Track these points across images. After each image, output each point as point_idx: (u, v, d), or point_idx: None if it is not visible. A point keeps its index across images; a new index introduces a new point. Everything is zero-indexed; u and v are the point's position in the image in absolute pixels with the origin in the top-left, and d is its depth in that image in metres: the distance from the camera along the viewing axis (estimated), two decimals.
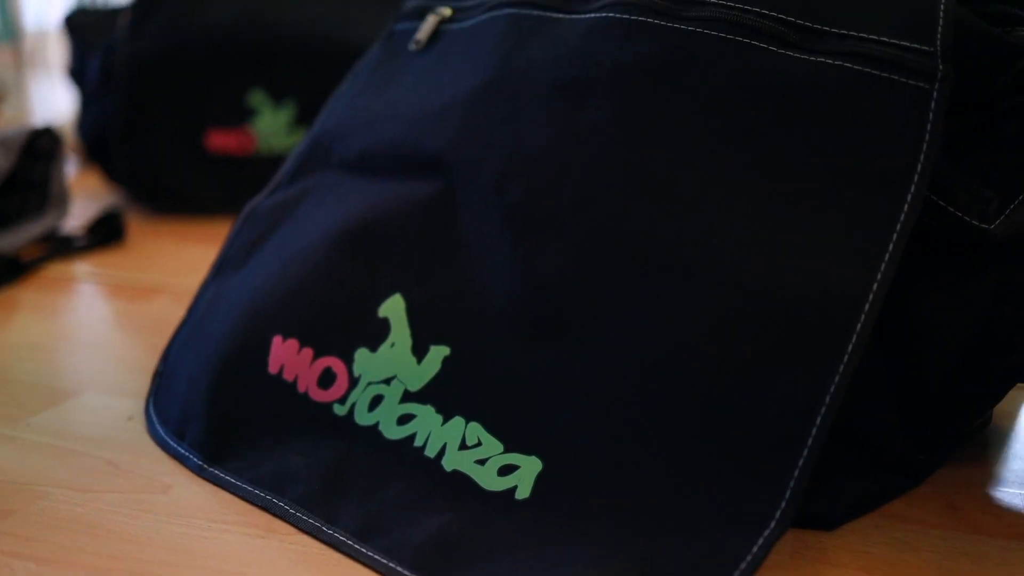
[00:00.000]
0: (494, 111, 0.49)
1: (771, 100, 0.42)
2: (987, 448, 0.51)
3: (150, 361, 0.60)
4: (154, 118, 1.03)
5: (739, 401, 0.38)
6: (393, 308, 0.48)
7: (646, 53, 0.45)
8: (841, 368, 0.36)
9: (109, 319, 0.75)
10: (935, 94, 0.39)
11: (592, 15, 0.48)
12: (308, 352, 0.49)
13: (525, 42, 0.50)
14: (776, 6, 0.43)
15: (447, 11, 0.57)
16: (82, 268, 0.87)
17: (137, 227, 1.01)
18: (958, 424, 0.45)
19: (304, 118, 1.04)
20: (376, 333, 0.48)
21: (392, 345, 0.47)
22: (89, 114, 1.09)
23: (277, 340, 0.50)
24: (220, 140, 1.04)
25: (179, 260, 0.90)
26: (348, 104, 0.59)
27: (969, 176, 0.41)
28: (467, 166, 0.49)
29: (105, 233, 0.95)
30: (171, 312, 0.73)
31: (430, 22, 0.58)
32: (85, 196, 1.15)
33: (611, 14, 0.47)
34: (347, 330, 0.49)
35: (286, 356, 0.49)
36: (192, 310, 0.57)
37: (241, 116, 1.03)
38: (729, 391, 0.38)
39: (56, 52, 4.31)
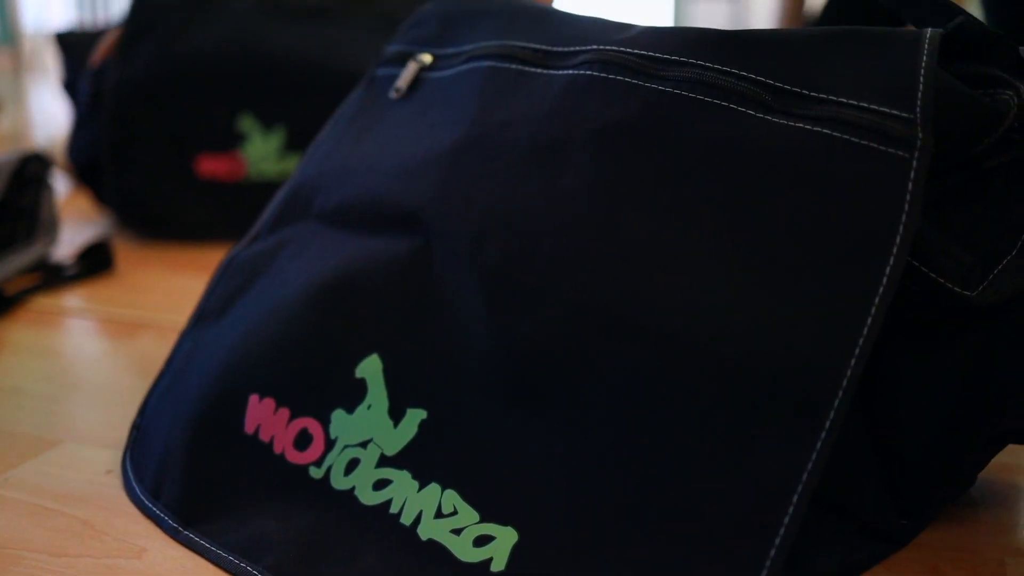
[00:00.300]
0: (472, 168, 0.49)
1: (749, 166, 0.41)
2: (973, 508, 0.51)
3: (133, 407, 0.60)
4: (143, 143, 1.02)
5: (714, 479, 0.37)
6: (370, 368, 0.47)
7: (623, 115, 0.45)
8: (819, 446, 0.36)
9: (95, 359, 0.74)
10: (915, 162, 0.38)
11: (570, 71, 0.48)
12: (284, 412, 0.48)
13: (504, 97, 0.50)
14: (755, 68, 0.42)
15: (428, 58, 0.57)
16: (69, 301, 0.87)
17: (127, 255, 1.00)
18: (942, 491, 0.44)
19: (294, 143, 1.03)
20: (353, 394, 0.47)
21: (369, 407, 0.46)
22: (79, 137, 1.08)
23: (254, 399, 0.49)
24: (210, 165, 1.03)
25: (168, 293, 0.90)
26: (327, 153, 0.58)
27: (952, 240, 0.41)
28: (444, 224, 0.48)
29: (94, 262, 0.95)
30: (158, 350, 0.72)
31: (411, 70, 0.57)
32: (76, 220, 1.14)
33: (589, 72, 0.47)
34: (323, 391, 0.48)
35: (262, 416, 0.49)
36: (170, 361, 0.57)
37: (231, 141, 1.03)
38: (704, 468, 0.38)
39: (55, 56, 4.32)
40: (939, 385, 0.42)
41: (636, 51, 0.46)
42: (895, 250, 0.37)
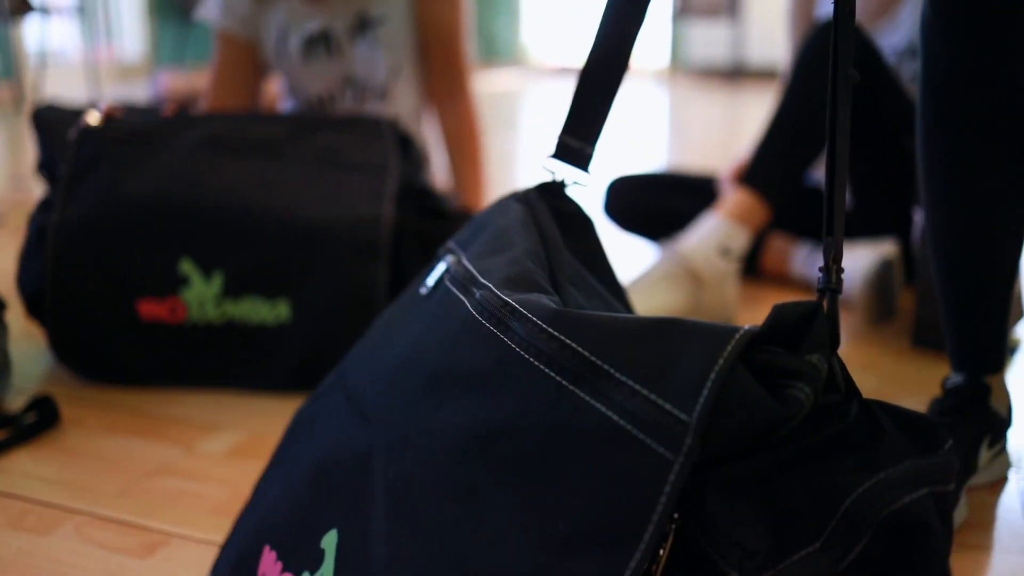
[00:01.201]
0: (400, 386, 0.54)
1: (555, 438, 0.44)
2: None
3: None
4: (84, 286, 1.02)
5: None
6: (329, 542, 0.53)
7: (483, 364, 0.49)
8: None
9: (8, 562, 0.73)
10: (676, 466, 0.40)
11: (468, 308, 0.53)
12: (280, 565, 0.55)
13: (440, 318, 0.55)
14: (580, 339, 0.46)
15: (453, 260, 0.61)
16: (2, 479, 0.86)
17: (72, 404, 1.00)
18: None
19: (233, 288, 1.02)
20: (316, 561, 0.52)
21: (322, 574, 0.51)
22: (28, 268, 1.08)
23: (267, 548, 0.57)
24: (151, 309, 1.02)
25: (104, 468, 0.89)
26: (380, 326, 0.64)
27: (743, 525, 0.41)
28: (377, 431, 0.54)
29: (41, 418, 0.94)
30: (73, 548, 0.71)
31: (438, 270, 0.61)
32: (30, 351, 1.14)
33: (473, 313, 0.52)
34: (301, 552, 0.54)
35: (267, 565, 0.56)
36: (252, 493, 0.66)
37: (171, 285, 1.02)
38: None
39: (56, 87, 4.35)
40: None
41: (503, 296, 0.51)
42: (642, 546, 0.39)
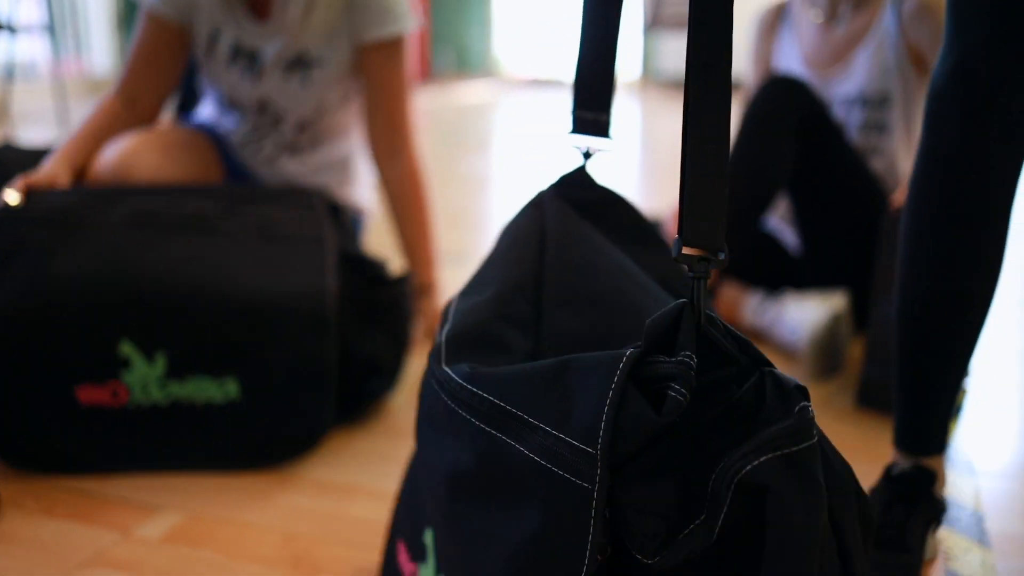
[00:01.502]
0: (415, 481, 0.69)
1: (497, 474, 0.53)
2: None
3: None
4: (18, 376, 1.00)
5: None
6: (428, 539, 0.64)
7: (440, 421, 0.60)
8: None
9: None
10: (595, 492, 0.48)
11: (434, 382, 0.61)
12: (407, 556, 0.68)
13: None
14: (493, 391, 0.54)
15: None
16: None
17: (11, 484, 0.99)
18: None
19: (178, 368, 1.02)
20: (423, 555, 0.65)
21: (427, 564, 0.64)
22: None
23: (400, 542, 0.71)
24: (91, 394, 1.01)
25: (40, 556, 0.88)
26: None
27: (642, 512, 0.48)
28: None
29: None
30: None
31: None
32: None
33: (435, 387, 0.60)
34: (415, 547, 0.67)
35: (402, 555, 0.70)
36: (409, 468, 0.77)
37: (112, 369, 1.01)
38: None
39: (25, 102, 4.29)
40: None
41: (445, 370, 0.59)
42: (586, 560, 0.48)
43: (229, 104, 1.39)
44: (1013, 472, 1.08)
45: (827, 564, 0.47)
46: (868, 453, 1.07)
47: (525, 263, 0.66)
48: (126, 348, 1.01)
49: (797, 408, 0.46)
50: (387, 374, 1.18)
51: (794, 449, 0.45)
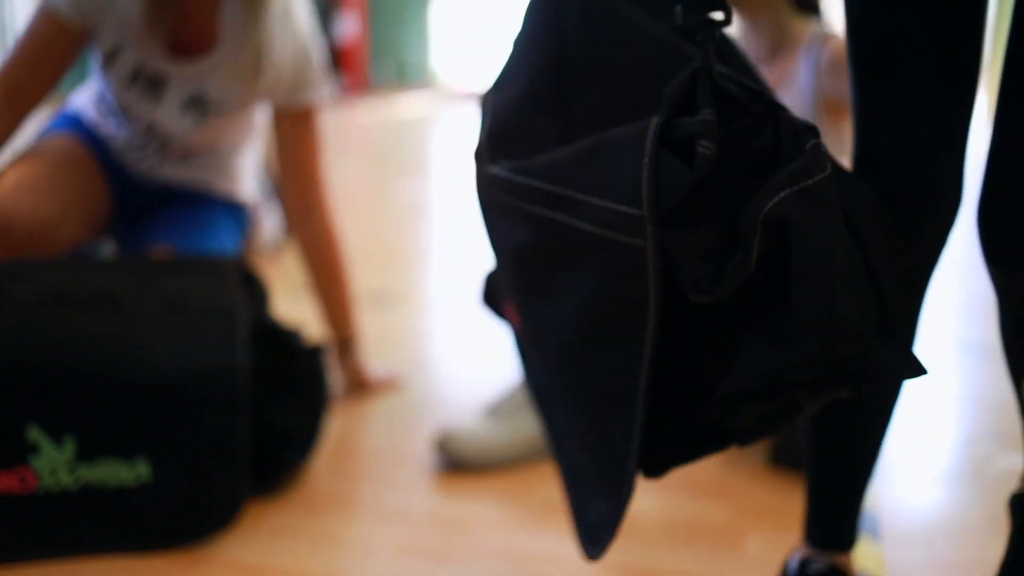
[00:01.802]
0: None
1: (556, 250, 0.62)
2: None
3: None
4: None
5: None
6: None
7: (496, 217, 0.70)
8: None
9: None
10: (647, 249, 0.55)
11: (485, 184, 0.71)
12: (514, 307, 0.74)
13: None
14: (541, 175, 0.62)
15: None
16: None
17: None
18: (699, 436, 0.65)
19: (87, 451, 1.01)
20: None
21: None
22: None
23: (508, 303, 0.77)
24: None
25: None
26: None
27: (694, 256, 0.54)
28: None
29: None
30: None
31: None
32: None
33: (488, 185, 0.70)
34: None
35: (509, 312, 0.79)
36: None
37: (19, 454, 1.00)
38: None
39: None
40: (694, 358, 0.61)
41: (507, 175, 0.66)
42: (650, 314, 0.56)
43: (117, 109, 1.36)
44: (919, 543, 1.13)
45: (851, 277, 0.55)
46: (781, 512, 1.09)
47: (545, 46, 0.69)
48: (34, 433, 1.00)
49: (809, 145, 0.54)
50: (302, 444, 1.18)
51: (809, 183, 0.53)
